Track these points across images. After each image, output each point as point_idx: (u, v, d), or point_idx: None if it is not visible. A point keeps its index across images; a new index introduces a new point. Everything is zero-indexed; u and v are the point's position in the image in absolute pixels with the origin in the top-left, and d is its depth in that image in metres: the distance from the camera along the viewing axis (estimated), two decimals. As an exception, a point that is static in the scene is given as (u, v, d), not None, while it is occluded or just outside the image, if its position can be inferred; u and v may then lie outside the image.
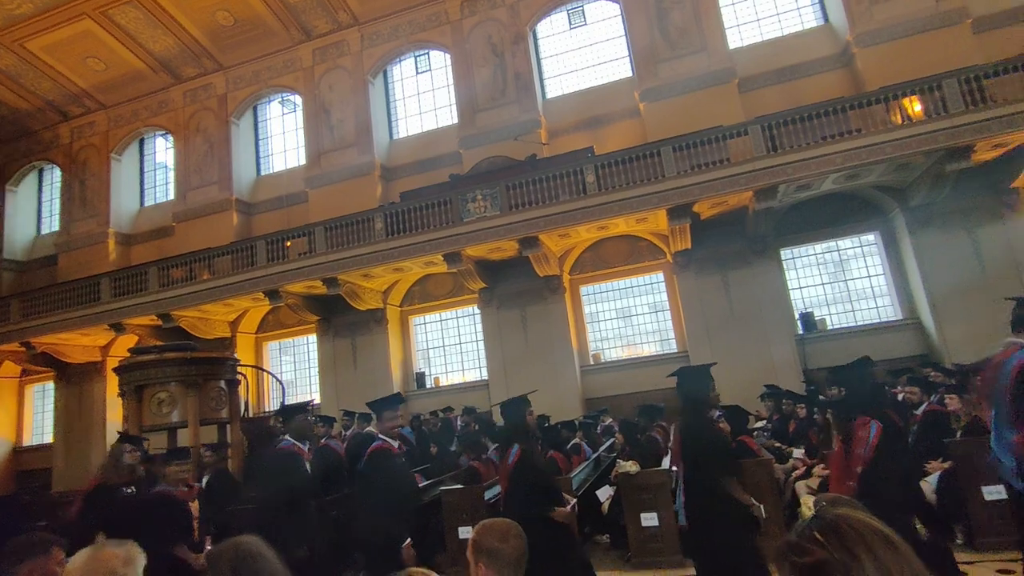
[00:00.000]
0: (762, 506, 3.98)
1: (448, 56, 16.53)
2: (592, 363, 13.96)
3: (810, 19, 14.65)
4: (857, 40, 13.08)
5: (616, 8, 15.55)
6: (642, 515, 5.78)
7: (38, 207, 21.33)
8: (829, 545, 0.99)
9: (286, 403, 13.66)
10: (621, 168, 11.79)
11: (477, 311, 14.64)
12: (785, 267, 13.13)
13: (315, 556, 4.10)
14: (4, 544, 2.30)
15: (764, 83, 13.96)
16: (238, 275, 13.96)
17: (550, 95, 16.06)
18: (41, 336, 15.69)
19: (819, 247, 13.22)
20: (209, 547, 4.50)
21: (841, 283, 13.11)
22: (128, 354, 10.23)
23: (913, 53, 12.23)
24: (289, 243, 13.98)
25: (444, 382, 15.11)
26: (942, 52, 11.96)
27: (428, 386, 15.01)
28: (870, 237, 12.92)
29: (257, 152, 18.93)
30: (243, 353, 15.80)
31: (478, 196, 12.47)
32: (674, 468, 6.34)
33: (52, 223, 20.74)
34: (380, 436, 4.46)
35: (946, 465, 5.56)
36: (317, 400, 14.93)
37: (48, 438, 18.11)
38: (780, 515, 5.73)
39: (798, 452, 6.92)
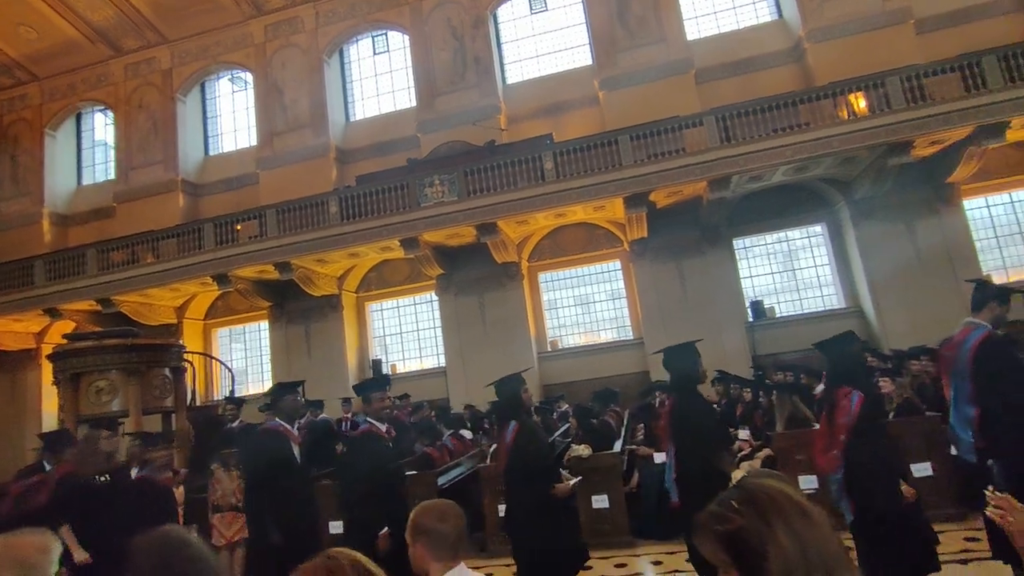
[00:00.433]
0: None
1: (407, 37, 16.17)
2: (550, 350, 14.06)
3: (765, 14, 14.96)
4: (809, 36, 13.44)
5: (577, -5, 15.51)
6: (593, 497, 5.86)
7: (-36, 184, 19.95)
8: (746, 514, 1.03)
9: (234, 393, 13.28)
10: (580, 156, 11.83)
11: (435, 298, 14.51)
12: (737, 256, 13.48)
13: (292, 539, 3.98)
14: None
15: (720, 75, 14.20)
16: (185, 259, 13.43)
17: (510, 80, 15.93)
18: (-32, 322, 14.75)
19: (770, 237, 13.63)
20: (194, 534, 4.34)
21: (790, 272, 13.57)
22: (64, 340, 9.73)
23: (861, 51, 12.65)
24: (240, 226, 13.51)
25: (401, 369, 14.96)
26: (887, 51, 12.41)
27: (385, 373, 14.82)
28: (817, 228, 13.39)
29: (205, 131, 18.15)
30: (190, 340, 15.24)
31: (436, 181, 12.31)
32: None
33: (-21, 202, 19.43)
34: (368, 419, 4.44)
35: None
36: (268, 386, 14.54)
37: (-23, 430, 17.09)
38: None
39: (743, 434, 7.14)
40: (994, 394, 3.39)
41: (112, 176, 17.97)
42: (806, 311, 13.13)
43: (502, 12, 16.15)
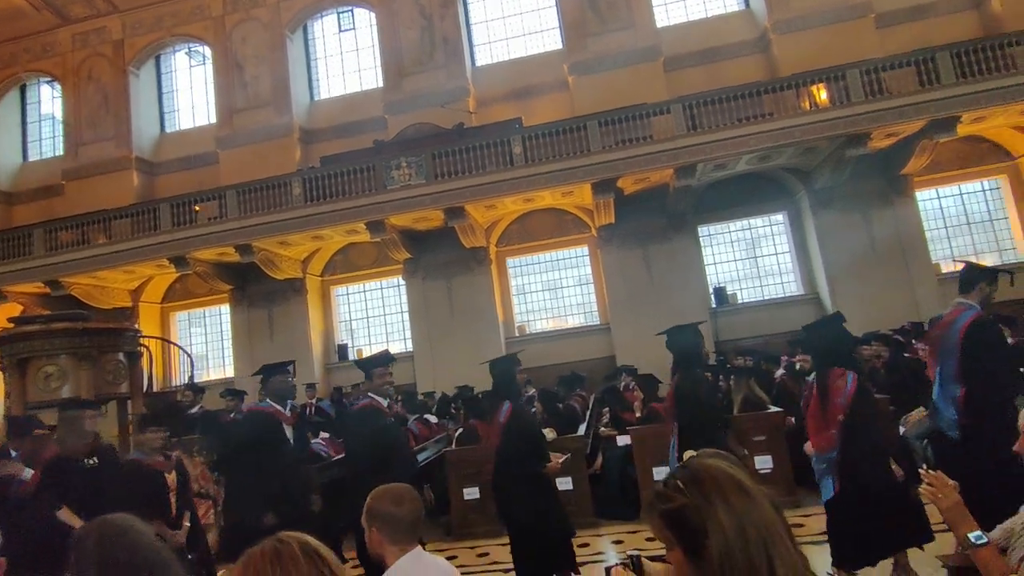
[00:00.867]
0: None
1: (373, 15, 15.75)
2: (518, 335, 14.11)
3: (732, 3, 15.09)
4: (774, 27, 13.64)
5: (548, -23, 15.34)
6: (557, 480, 5.92)
7: None
8: (689, 492, 1.07)
9: (193, 378, 12.94)
10: (548, 141, 11.81)
11: (402, 282, 14.36)
12: (702, 243, 13.72)
13: (283, 520, 3.93)
14: None
15: (688, 63, 14.30)
16: (139, 240, 12.95)
17: (479, 63, 15.72)
18: (-98, 304, 13.92)
19: (733, 225, 13.91)
20: (187, 523, 4.26)
21: (752, 260, 13.89)
22: (10, 324, 9.28)
23: (823, 43, 12.89)
24: (199, 207, 13.07)
25: (368, 354, 14.78)
26: (848, 44, 12.68)
27: (351, 358, 14.64)
28: (779, 217, 13.72)
29: (161, 107, 17.41)
30: (147, 324, 14.73)
31: (403, 164, 12.12)
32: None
33: (-86, 177, 18.26)
34: (369, 394, 4.48)
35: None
36: (231, 373, 14.23)
37: (-84, 418, 16.23)
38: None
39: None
40: (981, 373, 3.51)
41: (60, 152, 17.09)
42: (767, 298, 13.49)
43: (472, -8, 15.87)
